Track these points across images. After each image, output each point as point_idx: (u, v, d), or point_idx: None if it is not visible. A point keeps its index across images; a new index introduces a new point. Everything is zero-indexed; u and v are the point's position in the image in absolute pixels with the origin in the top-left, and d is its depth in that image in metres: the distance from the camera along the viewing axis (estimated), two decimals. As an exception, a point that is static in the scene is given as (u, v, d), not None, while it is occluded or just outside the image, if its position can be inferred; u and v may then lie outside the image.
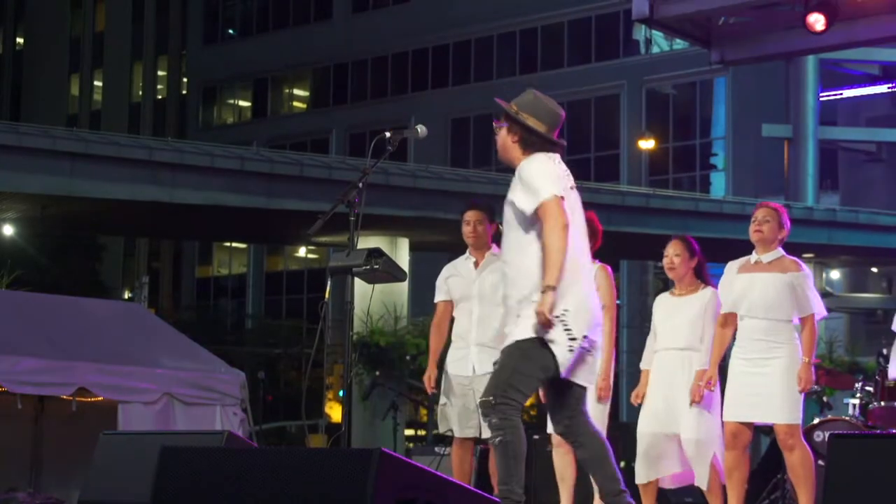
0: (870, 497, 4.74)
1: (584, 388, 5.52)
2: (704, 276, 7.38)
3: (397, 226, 28.64)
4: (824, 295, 8.29)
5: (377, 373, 27.22)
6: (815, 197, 37.08)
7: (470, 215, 7.39)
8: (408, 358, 27.83)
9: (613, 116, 40.75)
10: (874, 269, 40.17)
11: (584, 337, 5.37)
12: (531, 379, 5.40)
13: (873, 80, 38.54)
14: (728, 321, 7.08)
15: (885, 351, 9.09)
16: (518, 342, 5.39)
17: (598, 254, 7.11)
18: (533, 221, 5.40)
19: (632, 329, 33.60)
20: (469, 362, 7.25)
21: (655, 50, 40.61)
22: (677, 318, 7.29)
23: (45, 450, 10.59)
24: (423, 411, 33.28)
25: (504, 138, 5.57)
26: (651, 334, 7.45)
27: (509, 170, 5.64)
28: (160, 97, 53.43)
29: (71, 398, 9.60)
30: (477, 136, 42.27)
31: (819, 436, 8.86)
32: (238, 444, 6.30)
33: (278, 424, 33.50)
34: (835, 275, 39.26)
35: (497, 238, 7.37)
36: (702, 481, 7.17)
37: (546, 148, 5.53)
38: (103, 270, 44.92)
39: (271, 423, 30.51)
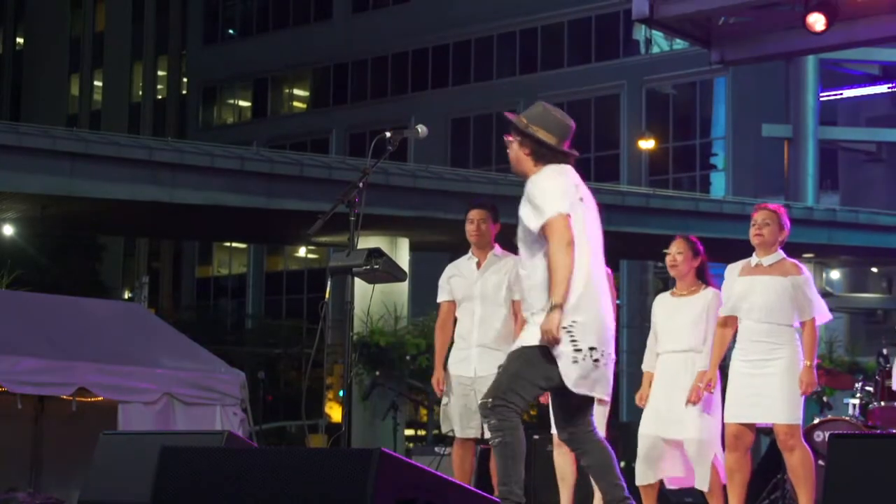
0: (870, 497, 4.74)
1: (590, 400, 5.53)
2: (706, 276, 7.37)
3: (397, 226, 28.62)
4: (824, 295, 8.27)
5: (377, 373, 27.18)
6: (815, 197, 37.05)
7: (474, 214, 7.40)
8: (408, 358, 27.78)
9: (613, 116, 40.72)
10: (874, 269, 40.13)
11: (593, 349, 5.38)
12: (532, 386, 5.42)
13: (873, 80, 38.50)
14: (728, 322, 7.07)
15: (885, 351, 9.11)
16: (524, 348, 5.43)
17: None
18: (539, 239, 5.43)
19: (632, 329, 33.59)
20: (471, 363, 7.26)
21: (655, 50, 40.59)
22: (678, 319, 7.28)
23: (45, 450, 10.59)
24: (423, 411, 33.29)
25: (516, 152, 5.59)
26: (651, 335, 7.44)
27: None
28: (160, 97, 53.41)
29: (71, 398, 9.60)
30: (477, 136, 42.27)
31: (819, 436, 8.87)
32: (238, 444, 6.30)
33: (278, 424, 33.48)
34: (835, 275, 39.21)
35: (500, 238, 7.38)
36: (702, 482, 7.15)
37: (558, 159, 5.56)
38: (103, 270, 44.91)
39: (271, 423, 30.50)
